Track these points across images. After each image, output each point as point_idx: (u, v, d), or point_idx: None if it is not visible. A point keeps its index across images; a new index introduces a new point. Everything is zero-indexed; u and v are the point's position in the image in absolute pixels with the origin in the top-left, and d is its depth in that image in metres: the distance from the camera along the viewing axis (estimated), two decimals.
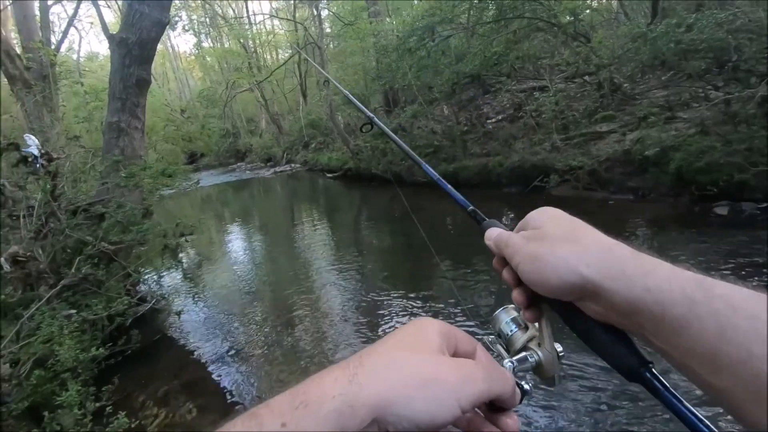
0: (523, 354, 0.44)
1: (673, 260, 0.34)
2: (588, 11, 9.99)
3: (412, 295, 4.59)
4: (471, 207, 0.57)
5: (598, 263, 0.35)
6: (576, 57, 9.05)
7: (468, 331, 0.38)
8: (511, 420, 0.37)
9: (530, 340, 0.45)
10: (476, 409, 0.36)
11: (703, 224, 4.98)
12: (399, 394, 0.29)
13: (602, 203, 6.42)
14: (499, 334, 0.48)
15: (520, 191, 7.88)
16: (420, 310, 4.25)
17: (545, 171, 7.30)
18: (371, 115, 1.04)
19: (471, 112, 11.11)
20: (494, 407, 0.37)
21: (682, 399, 0.34)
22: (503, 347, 0.47)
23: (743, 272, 3.75)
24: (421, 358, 0.32)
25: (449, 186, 0.65)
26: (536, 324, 0.46)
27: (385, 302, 4.55)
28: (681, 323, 0.31)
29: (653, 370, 0.36)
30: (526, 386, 0.39)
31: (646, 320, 0.33)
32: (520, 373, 0.43)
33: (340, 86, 1.55)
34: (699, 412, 0.32)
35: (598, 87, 8.32)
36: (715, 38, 5.60)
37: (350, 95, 1.32)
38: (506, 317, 0.48)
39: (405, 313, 4.24)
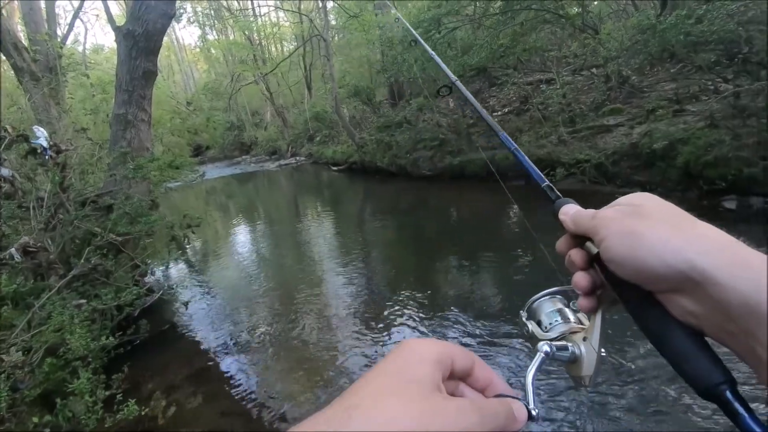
0: (563, 342, 0.41)
1: None
2: (596, 2, 9.87)
3: (418, 288, 4.61)
4: (546, 182, 0.55)
5: (713, 252, 0.31)
6: (583, 49, 8.96)
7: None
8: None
9: (573, 333, 0.42)
10: None
11: (711, 218, 4.75)
12: None
13: (609, 197, 6.13)
14: (539, 323, 0.45)
15: (526, 185, 7.84)
16: (426, 302, 4.27)
17: (551, 164, 7.26)
18: (454, 78, 0.96)
19: None
20: None
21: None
22: (536, 331, 0.44)
23: None
24: (412, 406, 0.28)
25: (527, 159, 0.61)
26: (586, 318, 0.42)
27: (391, 294, 4.58)
28: None
29: (737, 389, 0.30)
30: (534, 411, 0.33)
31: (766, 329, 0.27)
32: (555, 360, 0.40)
33: (426, 45, 1.24)
34: None
35: (605, 80, 8.25)
36: (725, 30, 5.52)
37: (435, 55, 1.12)
38: (551, 307, 0.45)
39: (411, 306, 4.26)
